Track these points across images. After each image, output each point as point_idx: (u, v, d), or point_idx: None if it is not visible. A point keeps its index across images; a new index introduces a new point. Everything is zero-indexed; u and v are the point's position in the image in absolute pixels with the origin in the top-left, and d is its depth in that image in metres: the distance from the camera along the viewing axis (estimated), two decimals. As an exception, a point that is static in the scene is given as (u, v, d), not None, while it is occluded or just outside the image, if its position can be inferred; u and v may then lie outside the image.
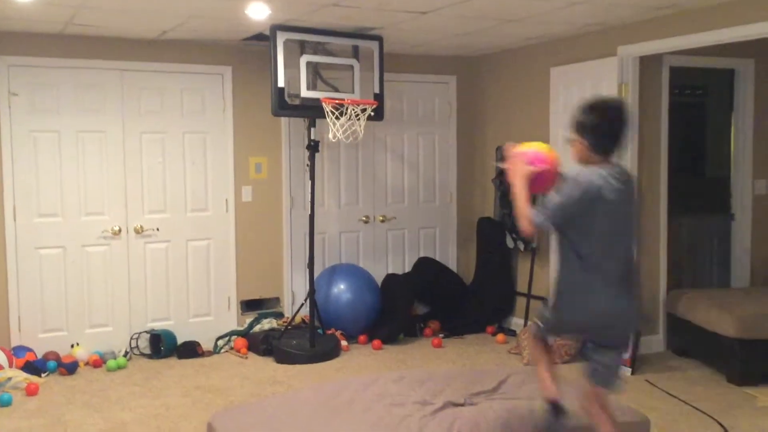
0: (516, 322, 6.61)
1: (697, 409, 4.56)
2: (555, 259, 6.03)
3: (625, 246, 3.11)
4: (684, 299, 5.60)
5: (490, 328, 6.55)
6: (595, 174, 3.02)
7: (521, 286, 6.56)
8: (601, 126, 3.09)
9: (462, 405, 3.61)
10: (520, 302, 6.56)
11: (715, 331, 5.17)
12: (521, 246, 6.39)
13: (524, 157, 3.24)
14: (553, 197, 3.06)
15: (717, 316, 5.17)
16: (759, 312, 5.10)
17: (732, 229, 6.39)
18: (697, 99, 6.92)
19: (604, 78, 5.54)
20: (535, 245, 6.25)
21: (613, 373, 3.18)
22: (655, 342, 5.84)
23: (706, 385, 5.03)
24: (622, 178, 3.05)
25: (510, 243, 6.53)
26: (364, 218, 6.73)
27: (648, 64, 5.59)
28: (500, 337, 6.22)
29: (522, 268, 6.57)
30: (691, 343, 5.60)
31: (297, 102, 5.51)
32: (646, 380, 5.13)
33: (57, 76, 5.63)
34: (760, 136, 6.30)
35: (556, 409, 3.27)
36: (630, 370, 5.25)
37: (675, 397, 4.79)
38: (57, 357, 5.51)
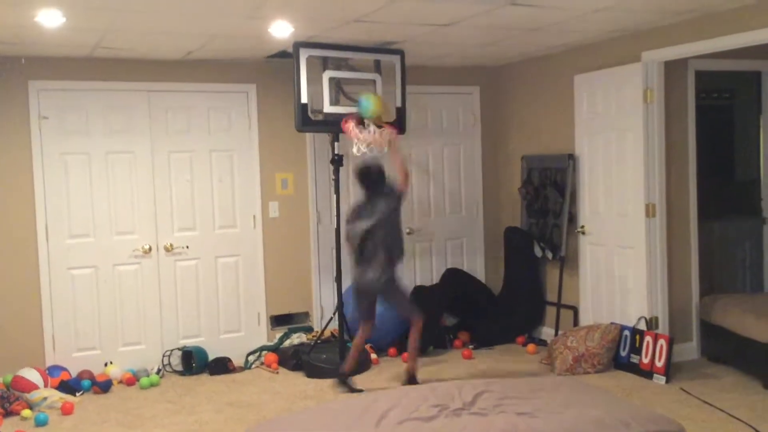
0: (546, 331, 6.57)
1: (733, 416, 4.48)
2: (585, 268, 6.01)
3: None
4: (717, 305, 5.52)
5: (520, 339, 6.51)
6: None
7: (550, 295, 6.51)
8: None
9: (494, 417, 3.59)
10: (550, 312, 6.51)
11: (750, 336, 5.09)
12: (549, 255, 6.36)
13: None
14: None
15: (752, 322, 5.09)
16: (795, 316, 5.02)
17: (764, 232, 6.31)
18: (724, 102, 6.85)
19: (629, 84, 5.51)
20: (564, 254, 6.21)
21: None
22: (689, 349, 5.77)
23: (741, 392, 4.95)
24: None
25: (538, 252, 6.49)
26: (390, 231, 6.72)
27: (673, 68, 5.55)
28: (531, 347, 6.18)
29: (551, 277, 6.52)
30: (725, 350, 5.52)
31: (320, 117, 5.54)
32: (681, 388, 5.06)
33: (85, 98, 5.73)
34: (790, 137, 6.22)
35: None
36: (664, 378, 5.18)
37: (710, 404, 4.72)
38: (91, 376, 5.58)
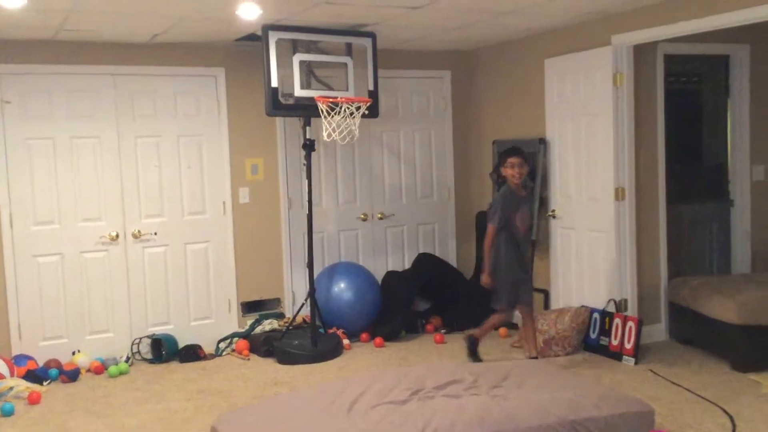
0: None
1: (701, 397, 4.55)
2: (555, 251, 6.05)
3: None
4: (686, 287, 5.59)
5: (491, 322, 6.53)
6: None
7: (522, 279, 6.54)
8: None
9: (466, 399, 3.60)
10: (522, 295, 6.54)
11: (718, 318, 5.16)
12: (521, 239, 6.38)
13: None
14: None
15: (719, 303, 5.16)
16: (761, 297, 5.09)
17: (731, 215, 6.39)
18: (693, 86, 6.91)
19: (599, 67, 5.53)
20: (535, 238, 6.23)
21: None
22: (658, 331, 5.83)
23: (710, 373, 5.02)
24: None
25: (509, 236, 6.51)
26: (362, 216, 6.71)
27: (642, 52, 5.58)
28: (502, 331, 6.20)
29: (522, 261, 6.54)
30: (694, 331, 5.59)
31: (291, 101, 5.49)
32: (650, 370, 5.12)
33: (49, 82, 5.61)
34: (757, 121, 6.29)
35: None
36: (633, 359, 5.24)
37: (679, 385, 4.78)
38: (58, 365, 5.50)
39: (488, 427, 3.26)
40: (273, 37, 5.33)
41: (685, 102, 6.80)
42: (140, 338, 5.90)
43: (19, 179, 5.55)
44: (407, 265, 6.89)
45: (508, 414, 3.34)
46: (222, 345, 6.00)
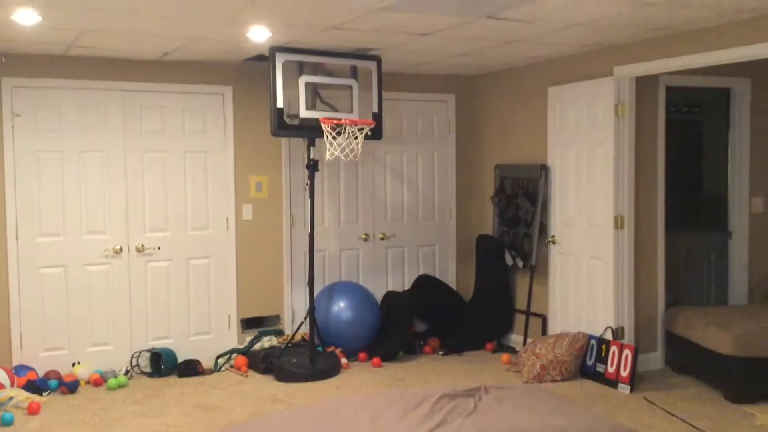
0: (515, 339, 6.64)
1: (694, 427, 4.58)
2: (554, 277, 6.09)
3: None
4: (682, 317, 5.63)
5: (489, 345, 6.57)
6: None
7: (520, 303, 6.59)
8: None
9: (459, 422, 3.64)
10: (519, 319, 6.59)
11: (713, 348, 5.19)
12: (520, 263, 6.43)
13: None
14: None
15: (715, 334, 5.20)
16: (756, 330, 5.13)
17: (729, 246, 6.43)
18: (694, 117, 6.98)
19: (601, 97, 5.60)
20: (534, 263, 6.28)
21: None
22: (654, 359, 5.87)
23: (704, 403, 5.05)
24: None
25: (509, 260, 6.57)
26: (363, 236, 6.77)
27: (644, 83, 5.66)
28: (505, 357, 6.16)
29: (521, 285, 6.60)
30: (689, 361, 5.63)
31: (296, 122, 5.57)
32: (645, 398, 5.15)
33: (59, 96, 5.69)
34: (757, 154, 6.35)
35: None
36: (629, 387, 5.27)
37: (673, 414, 4.81)
38: (58, 376, 5.54)
39: (480, 452, 3.30)
40: (280, 59, 5.42)
41: (686, 132, 6.87)
42: (140, 352, 5.94)
43: (27, 191, 5.62)
44: (407, 286, 6.93)
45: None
46: (221, 360, 6.04)
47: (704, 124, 6.98)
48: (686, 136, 6.83)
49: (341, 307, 6.18)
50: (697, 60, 4.94)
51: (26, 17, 4.28)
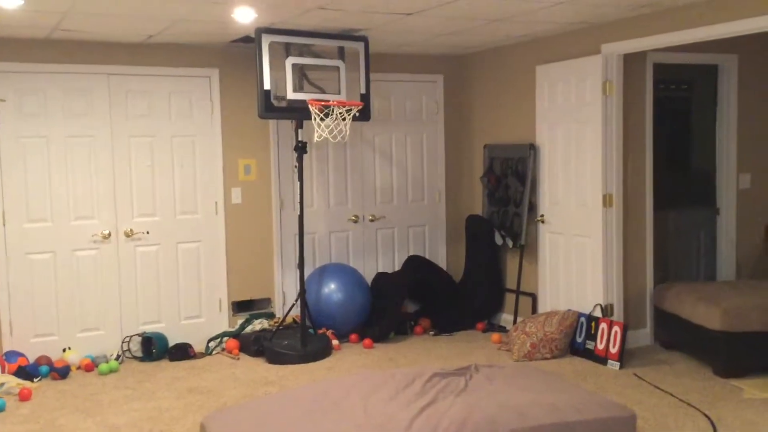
0: (505, 318, 6.67)
1: (683, 401, 4.62)
2: (543, 256, 6.11)
3: None
4: (671, 293, 5.66)
5: (479, 325, 6.60)
6: None
7: (510, 282, 6.62)
8: None
9: (450, 401, 3.66)
10: (509, 299, 6.62)
11: (702, 324, 5.23)
12: (509, 243, 6.45)
13: None
14: None
15: (703, 310, 5.23)
16: (744, 305, 5.16)
17: (717, 222, 6.47)
18: (682, 94, 6.99)
19: (589, 75, 5.60)
20: (523, 242, 6.30)
21: None
22: (643, 335, 5.91)
23: (692, 378, 5.10)
24: None
25: (498, 240, 6.59)
26: (353, 218, 6.77)
27: (632, 61, 5.65)
28: (496, 336, 6.20)
29: (511, 264, 6.62)
30: (678, 337, 5.67)
31: (284, 104, 5.54)
32: (634, 374, 5.20)
33: (44, 81, 5.64)
34: (744, 130, 6.37)
35: None
36: (618, 364, 5.31)
37: (662, 390, 4.85)
38: (49, 361, 5.54)
39: (468, 429, 3.32)
40: (266, 40, 5.38)
41: (675, 109, 6.88)
42: (131, 336, 5.94)
43: (13, 177, 5.58)
44: (397, 267, 6.95)
45: (489, 417, 3.41)
46: (212, 344, 6.05)
47: (692, 101, 6.99)
48: (674, 114, 6.84)
49: (332, 288, 6.19)
50: (683, 36, 4.93)
51: (8, 0, 4.22)
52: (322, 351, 5.82)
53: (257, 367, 5.63)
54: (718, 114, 6.42)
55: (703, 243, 6.61)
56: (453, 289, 6.93)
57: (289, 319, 6.14)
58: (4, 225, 5.58)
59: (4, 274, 5.60)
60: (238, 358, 5.86)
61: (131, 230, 5.96)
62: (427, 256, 7.08)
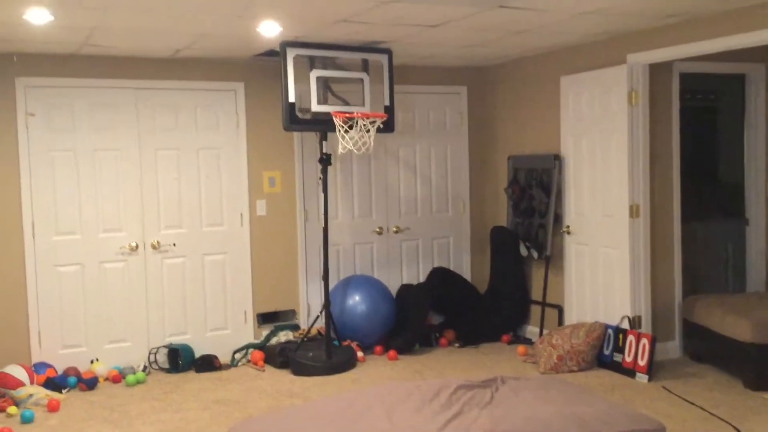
0: (531, 330, 6.62)
1: (714, 415, 4.55)
2: (569, 267, 6.07)
3: None
4: (700, 305, 5.59)
5: (505, 337, 6.56)
6: None
7: (535, 294, 6.57)
8: None
9: (477, 413, 3.63)
10: (535, 310, 6.57)
11: (732, 336, 5.16)
12: (535, 254, 6.41)
13: None
14: None
15: (733, 322, 5.16)
16: (775, 316, 5.09)
17: (746, 233, 6.38)
18: (709, 103, 6.92)
19: (614, 86, 5.57)
20: (549, 254, 6.26)
21: None
22: (672, 348, 5.84)
23: (722, 391, 5.02)
24: None
25: (524, 251, 6.55)
26: (377, 229, 6.77)
27: (658, 71, 5.61)
28: (521, 348, 6.15)
29: (536, 276, 6.58)
30: (707, 349, 5.59)
31: (308, 116, 5.57)
32: (663, 387, 5.13)
33: (72, 95, 5.73)
34: (773, 139, 6.29)
35: None
36: (647, 376, 5.24)
37: (692, 403, 4.78)
38: (77, 373, 5.59)
39: (498, 442, 3.29)
40: (291, 54, 5.42)
41: (702, 119, 6.81)
42: (157, 348, 5.98)
43: (42, 190, 5.67)
44: (422, 279, 6.93)
45: (515, 430, 3.37)
46: (237, 356, 6.07)
47: (720, 110, 6.92)
48: (702, 123, 6.77)
49: (356, 300, 6.19)
50: (710, 46, 4.89)
51: (38, 16, 4.30)
52: (347, 363, 5.82)
53: (282, 378, 5.64)
54: (746, 123, 6.35)
55: (732, 254, 6.53)
56: (478, 300, 6.89)
57: (313, 331, 6.15)
58: (33, 237, 5.66)
59: (34, 286, 5.67)
60: (264, 370, 5.87)
61: (158, 242, 6.01)
62: (451, 268, 7.06)
